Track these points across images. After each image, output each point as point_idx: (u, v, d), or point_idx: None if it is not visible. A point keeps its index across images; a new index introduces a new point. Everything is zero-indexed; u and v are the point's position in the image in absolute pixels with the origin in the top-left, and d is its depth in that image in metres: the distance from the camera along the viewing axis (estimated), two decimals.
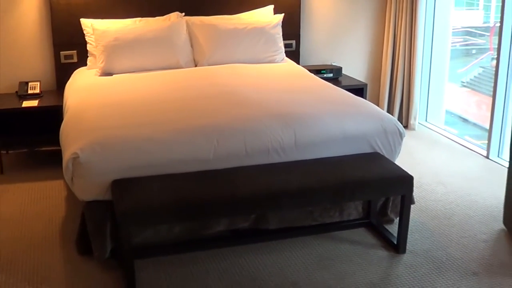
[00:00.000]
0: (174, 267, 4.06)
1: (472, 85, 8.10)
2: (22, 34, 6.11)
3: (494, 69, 5.85)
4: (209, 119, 4.31)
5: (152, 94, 4.95)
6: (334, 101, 4.76)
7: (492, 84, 5.84)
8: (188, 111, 4.48)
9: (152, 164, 4.00)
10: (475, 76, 8.17)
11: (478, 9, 8.28)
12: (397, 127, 4.47)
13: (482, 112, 7.54)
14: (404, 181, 4.08)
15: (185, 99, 4.76)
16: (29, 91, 5.91)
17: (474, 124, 7.50)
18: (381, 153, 4.42)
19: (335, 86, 5.26)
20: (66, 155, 3.99)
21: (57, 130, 4.66)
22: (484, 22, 8.24)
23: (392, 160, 4.42)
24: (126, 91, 5.09)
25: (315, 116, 4.40)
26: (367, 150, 4.42)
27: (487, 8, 8.11)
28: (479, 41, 8.46)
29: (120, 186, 3.89)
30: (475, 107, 8.04)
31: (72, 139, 4.17)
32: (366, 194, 4.18)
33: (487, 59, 8.21)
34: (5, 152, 5.94)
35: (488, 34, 8.25)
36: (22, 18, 6.07)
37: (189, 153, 4.06)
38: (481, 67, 8.13)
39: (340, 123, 4.38)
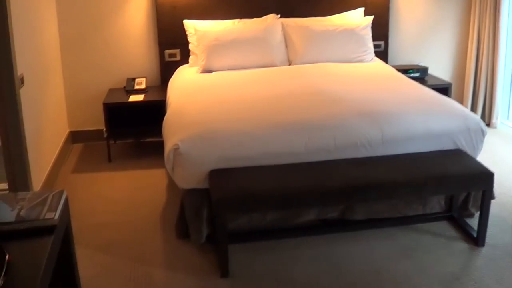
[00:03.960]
0: (265, 252, 4.05)
1: None
2: (131, 34, 6.23)
3: None
4: (302, 115, 4.28)
5: (249, 91, 4.95)
6: (420, 100, 4.66)
7: None
8: (282, 108, 4.45)
9: (247, 157, 4.01)
10: None
11: None
12: (480, 125, 4.36)
13: None
14: (485, 177, 3.97)
15: (279, 96, 4.73)
16: (136, 87, 6.01)
17: None
18: (463, 150, 4.30)
19: (421, 85, 5.15)
20: (168, 146, 4.03)
21: (161, 122, 4.71)
22: None
23: (474, 157, 4.30)
24: (224, 88, 5.10)
25: (401, 114, 4.33)
26: (450, 146, 4.30)
27: None
28: None
29: (217, 175, 3.91)
30: None
31: (174, 131, 4.21)
32: (448, 189, 4.09)
33: None
34: (113, 142, 6.05)
35: None
36: (131, 19, 6.18)
37: (282, 147, 4.05)
38: None
39: (425, 120, 4.29)
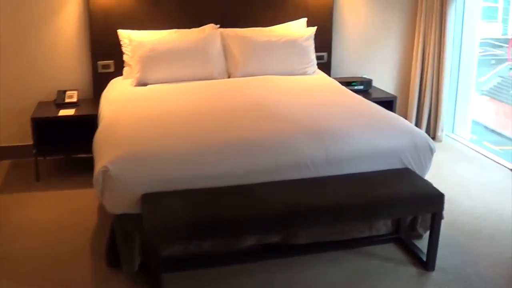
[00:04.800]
0: (204, 282, 3.75)
1: (492, 94, 7.77)
2: (61, 44, 5.84)
3: None
4: (240, 133, 3.98)
5: (185, 106, 4.63)
6: (365, 116, 4.41)
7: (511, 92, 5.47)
8: (219, 124, 4.15)
9: (182, 179, 3.69)
10: (494, 85, 7.83)
11: (497, 21, 7.94)
12: (428, 142, 4.13)
13: (500, 119, 7.33)
14: (435, 199, 3.73)
15: (217, 112, 4.43)
16: (67, 100, 5.64)
17: (493, 131, 7.25)
18: (411, 168, 4.06)
19: (366, 100, 4.90)
20: (97, 168, 3.69)
21: (93, 137, 4.37)
22: (503, 34, 7.94)
23: (422, 175, 4.06)
24: (159, 102, 4.78)
25: (346, 131, 4.07)
26: (398, 165, 4.06)
27: (505, 20, 7.80)
28: (498, 52, 8.15)
29: (150, 200, 3.58)
30: (494, 114, 7.69)
31: (103, 151, 3.88)
32: (397, 212, 3.84)
33: (505, 69, 7.93)
34: (42, 159, 5.67)
35: (506, 45, 8.03)
36: (61, 28, 5.80)
37: (219, 168, 3.74)
38: (500, 76, 7.84)
39: (371, 138, 4.04)
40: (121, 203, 3.67)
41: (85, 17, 5.79)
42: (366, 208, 3.64)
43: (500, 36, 7.99)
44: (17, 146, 5.91)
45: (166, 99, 4.85)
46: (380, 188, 3.76)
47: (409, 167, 4.07)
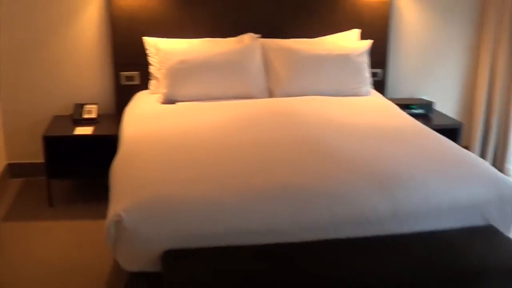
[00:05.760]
0: None
1: None
2: (80, 51, 5.15)
3: None
4: (286, 177, 3.18)
5: (219, 132, 3.88)
6: (438, 156, 3.58)
7: None
8: (259, 163, 3.36)
9: (214, 234, 2.91)
10: None
11: None
12: None
13: None
14: None
15: (258, 143, 3.65)
16: (85, 115, 4.95)
17: None
18: (495, 225, 3.24)
19: (433, 132, 4.05)
20: (109, 216, 2.95)
21: (112, 159, 3.70)
22: None
23: (507, 233, 3.25)
24: (188, 126, 4.03)
25: (419, 179, 3.24)
26: (479, 221, 3.23)
27: None
28: None
29: (173, 259, 2.83)
30: None
31: (119, 190, 3.16)
32: None
33: None
34: (57, 180, 4.95)
35: None
36: (81, 33, 5.11)
37: (260, 221, 2.96)
38: None
39: (450, 188, 3.22)
40: (138, 260, 2.93)
41: (106, 21, 5.09)
42: (446, 282, 2.81)
43: None
44: (30, 163, 5.29)
45: (197, 122, 4.10)
46: (464, 255, 2.92)
47: (493, 223, 3.25)
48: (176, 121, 4.14)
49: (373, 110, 4.57)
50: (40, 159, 4.99)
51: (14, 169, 5.30)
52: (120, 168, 3.46)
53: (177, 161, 3.39)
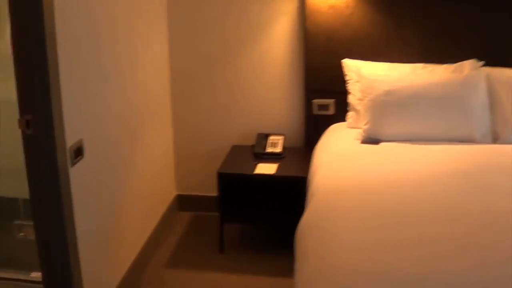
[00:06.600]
0: None
1: None
2: (267, 71, 4.47)
3: None
4: None
5: (436, 190, 2.93)
6: None
7: None
8: (491, 236, 2.44)
9: None
10: None
11: None
12: None
13: None
14: None
15: (491, 212, 2.68)
16: (268, 149, 4.23)
17: None
18: None
19: None
20: None
21: (302, 202, 3.16)
22: None
23: None
24: (397, 176, 3.12)
25: None
26: None
27: None
28: None
29: None
30: None
31: (309, 269, 2.38)
32: None
33: None
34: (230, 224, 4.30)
35: None
36: (267, 54, 4.43)
37: None
38: None
39: None
40: None
41: (299, 40, 4.36)
42: None
43: None
44: (200, 196, 4.75)
45: (409, 172, 3.19)
46: None
47: None
48: (381, 169, 3.26)
49: None
50: (211, 192, 4.52)
51: (182, 201, 4.78)
52: (311, 233, 2.70)
53: (389, 233, 2.51)
